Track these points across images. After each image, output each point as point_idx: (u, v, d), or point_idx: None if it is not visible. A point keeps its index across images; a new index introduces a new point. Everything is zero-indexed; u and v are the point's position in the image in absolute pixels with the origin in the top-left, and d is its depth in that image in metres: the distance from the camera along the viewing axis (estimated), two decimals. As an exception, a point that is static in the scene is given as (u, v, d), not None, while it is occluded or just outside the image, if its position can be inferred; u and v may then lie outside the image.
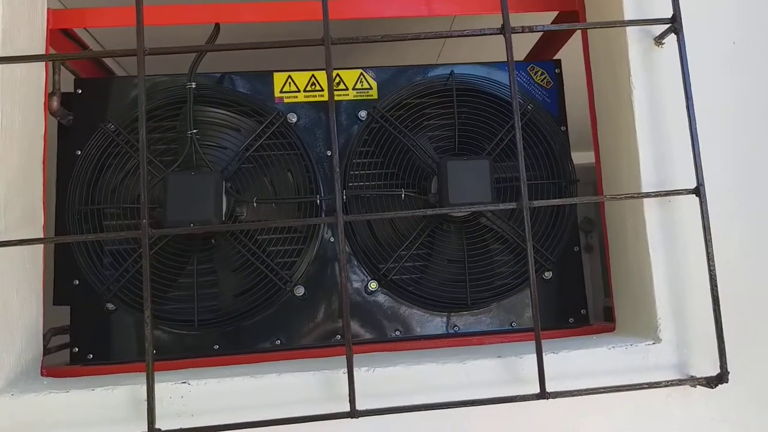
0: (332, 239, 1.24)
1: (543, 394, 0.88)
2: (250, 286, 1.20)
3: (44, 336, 1.12)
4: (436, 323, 1.24)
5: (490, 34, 0.92)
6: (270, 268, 1.18)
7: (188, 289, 1.18)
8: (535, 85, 1.32)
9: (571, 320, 1.26)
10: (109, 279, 1.15)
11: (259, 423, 0.85)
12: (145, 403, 0.82)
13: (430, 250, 1.25)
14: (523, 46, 1.58)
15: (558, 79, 1.33)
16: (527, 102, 1.27)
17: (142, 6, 0.85)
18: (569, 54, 1.38)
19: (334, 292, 1.22)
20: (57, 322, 1.22)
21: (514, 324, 1.24)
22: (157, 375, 0.87)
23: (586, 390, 0.89)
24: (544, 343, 0.90)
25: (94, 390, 0.89)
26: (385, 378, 0.92)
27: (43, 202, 1.10)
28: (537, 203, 0.94)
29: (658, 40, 1.00)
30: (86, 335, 1.18)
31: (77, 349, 1.17)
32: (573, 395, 0.89)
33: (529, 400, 0.88)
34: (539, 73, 1.33)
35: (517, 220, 1.24)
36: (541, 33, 1.47)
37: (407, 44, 1.92)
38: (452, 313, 1.24)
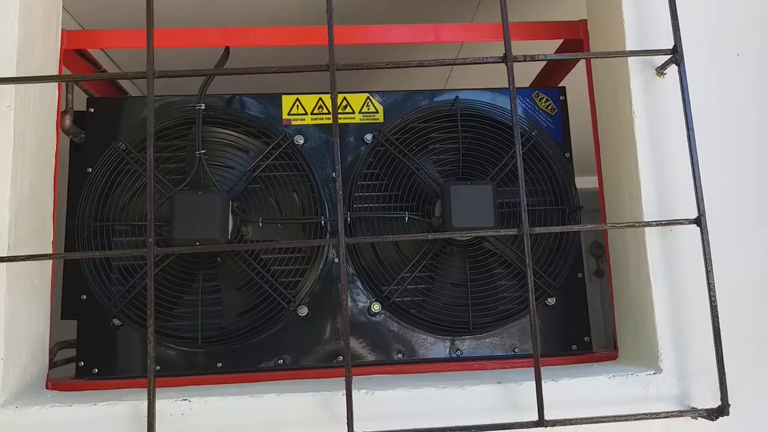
0: (336, 260, 1.25)
1: (541, 422, 0.88)
2: (254, 305, 1.21)
3: (51, 349, 1.13)
4: (438, 347, 1.24)
5: (493, 62, 0.94)
6: (274, 287, 1.20)
7: (193, 306, 1.19)
8: (540, 111, 1.34)
9: (574, 347, 1.25)
10: (115, 295, 1.17)
11: (256, 442, 0.86)
12: (146, 419, 0.83)
13: (433, 273, 1.25)
14: (530, 72, 1.60)
15: (562, 106, 1.34)
16: (531, 128, 1.28)
17: (152, 30, 0.87)
18: (576, 78, 1.40)
19: (337, 312, 1.23)
20: (64, 336, 1.24)
21: (516, 350, 1.24)
22: (159, 392, 0.88)
23: (585, 419, 0.89)
24: (545, 370, 0.90)
25: (96, 405, 0.90)
26: (384, 401, 0.92)
27: (53, 218, 1.12)
28: (537, 230, 0.94)
29: (660, 70, 1.01)
30: (92, 350, 1.19)
31: (83, 363, 1.19)
32: (572, 423, 0.89)
33: (527, 428, 0.88)
34: (544, 99, 1.34)
35: (520, 246, 1.24)
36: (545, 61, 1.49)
37: (417, 69, 1.96)
38: (455, 338, 1.24)
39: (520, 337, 1.25)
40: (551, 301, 1.26)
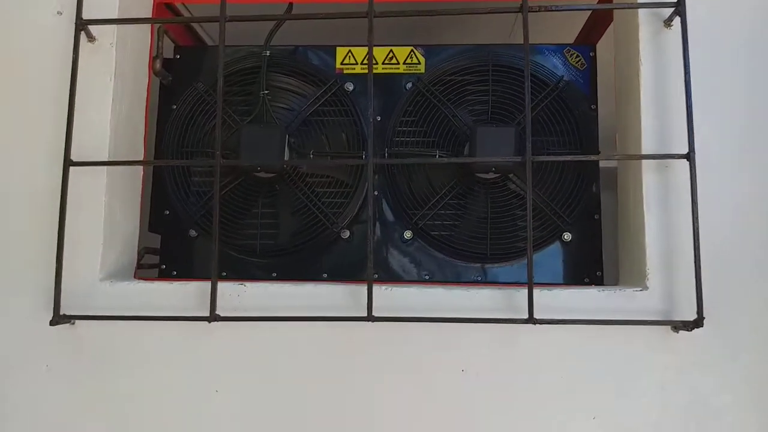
0: (375, 192, 1.43)
1: (531, 320, 1.03)
2: (305, 227, 1.41)
3: (139, 252, 1.38)
4: (460, 271, 1.40)
5: (510, 11, 1.08)
6: (323, 212, 1.39)
7: (255, 225, 1.41)
8: (570, 66, 1.45)
9: (586, 280, 1.38)
10: (192, 210, 1.40)
11: (294, 318, 1.07)
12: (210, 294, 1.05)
13: (461, 208, 1.41)
14: (574, 31, 1.70)
15: (592, 62, 1.45)
16: (559, 80, 1.40)
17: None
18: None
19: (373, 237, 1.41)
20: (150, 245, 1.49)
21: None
22: (222, 281, 1.10)
23: (569, 320, 1.04)
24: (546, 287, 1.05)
25: (172, 284, 1.13)
26: (400, 295, 1.10)
27: (144, 144, 1.36)
28: (540, 158, 1.08)
29: (667, 22, 1.11)
30: (172, 256, 1.44)
31: (164, 267, 1.44)
32: (557, 323, 1.04)
33: (518, 323, 1.03)
34: (574, 55, 1.45)
35: (542, 187, 1.37)
36: (588, 16, 1.59)
37: (477, 26, 2.05)
38: (477, 264, 1.40)
39: (535, 269, 1.38)
40: (567, 236, 1.39)
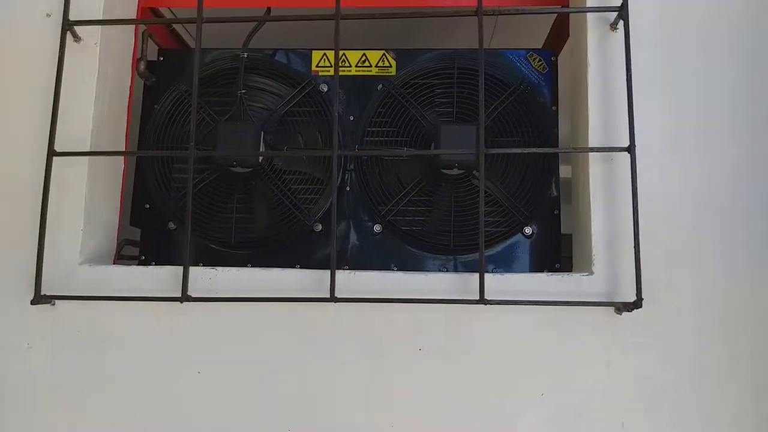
0: (348, 189, 1.50)
1: (482, 300, 1.10)
2: (279, 220, 1.49)
3: (119, 244, 1.45)
4: (427, 263, 1.47)
5: (465, 15, 1.16)
6: (297, 206, 1.47)
7: (231, 218, 1.48)
8: (533, 69, 1.54)
9: (545, 271, 1.45)
10: (172, 202, 1.47)
11: (261, 299, 1.14)
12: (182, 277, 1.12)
13: (428, 203, 1.48)
14: (542, 35, 1.79)
15: (553, 66, 1.53)
16: (521, 82, 1.48)
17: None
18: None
19: (345, 229, 1.48)
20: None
21: (494, 270, 1.45)
22: (195, 267, 1.17)
23: (519, 301, 1.11)
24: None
25: (148, 268, 1.21)
26: (362, 280, 1.18)
27: (126, 140, 1.43)
28: (492, 151, 1.16)
29: (613, 25, 1.20)
30: (151, 247, 1.51)
31: (144, 257, 1.50)
32: (508, 304, 1.11)
33: (470, 304, 1.11)
34: (537, 59, 1.54)
35: (505, 184, 1.45)
36: (552, 24, 1.68)
37: (457, 33, 2.13)
38: (441, 256, 1.47)
39: (497, 260, 1.45)
40: (528, 230, 1.46)
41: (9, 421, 1.18)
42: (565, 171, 1.46)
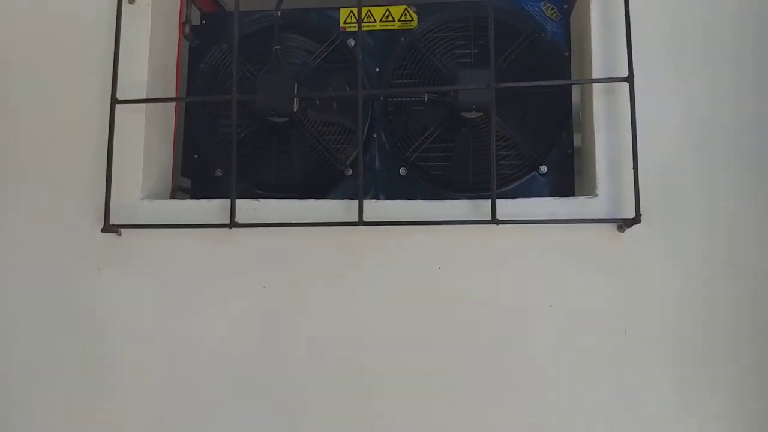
0: (375, 135, 1.64)
1: (494, 221, 1.23)
2: (313, 165, 1.63)
3: (173, 189, 1.63)
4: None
5: (476, -38, 1.26)
6: (330, 152, 1.61)
7: (270, 165, 1.64)
8: (546, 17, 1.63)
9: (556, 201, 1.56)
10: (219, 150, 1.64)
11: (299, 224, 1.29)
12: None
13: (449, 147, 1.60)
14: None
15: (565, 13, 1.62)
16: (536, 29, 1.58)
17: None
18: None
19: (373, 172, 1.62)
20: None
21: (510, 202, 1.57)
22: (240, 198, 1.33)
23: (528, 220, 1.23)
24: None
25: (199, 201, 1.37)
26: (387, 206, 1.32)
27: (176, 92, 1.60)
28: (503, 85, 1.27)
29: (615, -33, 1.29)
30: (201, 192, 1.67)
31: (194, 201, 1.67)
32: (518, 223, 1.23)
33: (484, 224, 1.23)
34: (550, 7, 1.63)
35: (521, 126, 1.55)
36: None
37: None
38: (462, 194, 1.59)
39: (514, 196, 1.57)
40: (543, 168, 1.57)
41: (82, 337, 1.37)
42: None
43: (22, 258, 1.40)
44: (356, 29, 1.67)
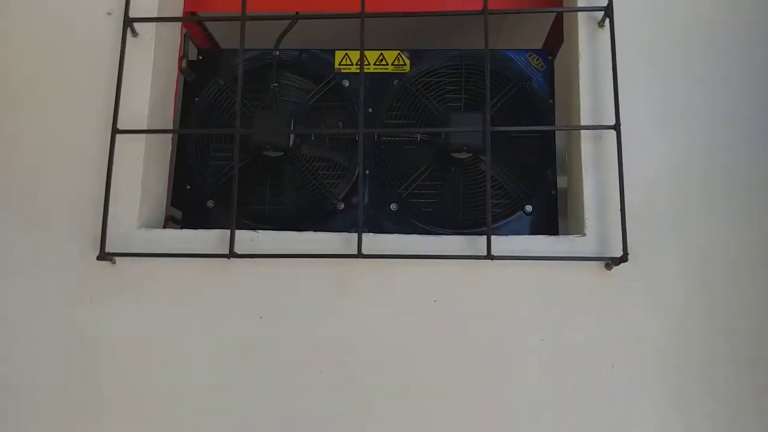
0: (367, 171, 1.68)
1: (489, 256, 1.28)
2: (307, 200, 1.66)
3: (166, 218, 1.63)
4: (439, 237, 1.64)
5: (472, 14, 1.35)
6: (323, 187, 1.65)
7: (264, 198, 1.66)
8: (532, 67, 1.73)
9: (543, 241, 1.62)
10: (211, 182, 1.65)
11: (298, 255, 1.31)
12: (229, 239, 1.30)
13: (440, 185, 1.66)
14: (539, 37, 1.99)
15: (550, 64, 1.72)
16: (522, 78, 1.67)
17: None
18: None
19: (365, 207, 1.65)
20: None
21: (499, 243, 1.63)
22: (238, 229, 1.35)
23: (522, 257, 1.28)
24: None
25: (197, 231, 1.38)
26: (384, 240, 1.35)
27: (173, 123, 1.62)
28: (497, 129, 1.34)
29: (600, 23, 1.39)
30: (192, 222, 1.68)
31: (184, 233, 1.67)
32: (512, 259, 1.28)
33: (479, 259, 1.28)
34: (535, 58, 1.73)
35: (508, 168, 1.63)
36: (550, 26, 1.87)
37: (465, 34, 2.34)
38: (451, 230, 1.64)
39: (501, 234, 1.63)
40: (528, 208, 1.64)
41: (73, 365, 1.35)
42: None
43: (17, 283, 1.39)
44: (352, 71, 1.75)
